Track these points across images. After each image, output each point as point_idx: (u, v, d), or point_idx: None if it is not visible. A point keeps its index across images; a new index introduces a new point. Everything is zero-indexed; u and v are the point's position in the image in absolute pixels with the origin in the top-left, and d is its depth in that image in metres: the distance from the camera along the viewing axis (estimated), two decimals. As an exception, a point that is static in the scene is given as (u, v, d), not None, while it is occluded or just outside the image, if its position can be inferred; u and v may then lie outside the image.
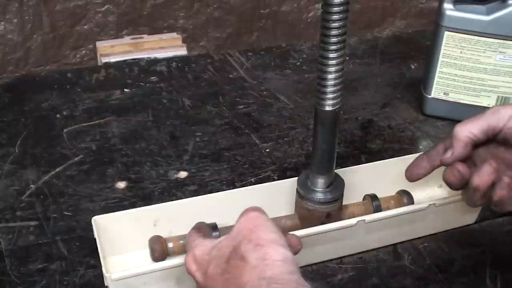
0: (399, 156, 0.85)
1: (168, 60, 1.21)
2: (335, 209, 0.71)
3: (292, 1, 2.13)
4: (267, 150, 0.93)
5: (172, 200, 0.77)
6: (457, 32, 0.93)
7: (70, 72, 1.15)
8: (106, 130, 0.97)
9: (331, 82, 0.63)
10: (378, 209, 0.75)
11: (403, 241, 0.75)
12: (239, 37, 2.12)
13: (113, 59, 1.29)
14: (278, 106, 1.05)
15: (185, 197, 0.81)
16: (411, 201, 0.77)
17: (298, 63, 1.20)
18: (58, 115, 1.01)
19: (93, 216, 0.70)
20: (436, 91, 0.99)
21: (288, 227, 0.71)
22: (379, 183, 0.78)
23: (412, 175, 0.70)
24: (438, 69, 0.97)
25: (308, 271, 0.71)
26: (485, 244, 0.76)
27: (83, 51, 1.99)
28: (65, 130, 0.97)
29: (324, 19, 0.60)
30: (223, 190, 0.80)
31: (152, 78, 1.13)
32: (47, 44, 1.94)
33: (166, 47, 1.44)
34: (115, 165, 0.89)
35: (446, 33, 0.94)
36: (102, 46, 1.48)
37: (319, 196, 0.70)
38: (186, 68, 1.17)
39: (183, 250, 0.68)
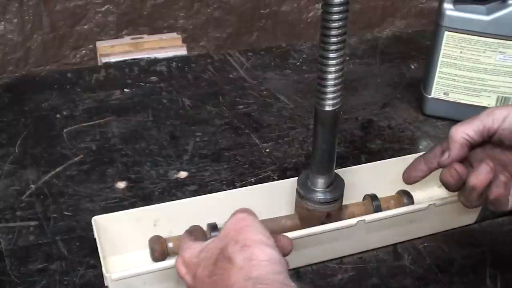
0: (399, 156, 0.85)
1: (168, 60, 1.21)
2: (335, 209, 0.71)
3: (292, 1, 2.13)
4: (267, 150, 0.93)
5: (172, 200, 0.77)
6: (457, 32, 0.93)
7: (70, 72, 1.15)
8: (106, 130, 0.97)
9: (331, 82, 0.63)
10: (378, 209, 0.75)
11: (403, 241, 0.75)
12: (239, 37, 2.12)
13: (113, 59, 1.29)
14: (278, 106, 1.05)
15: (185, 197, 0.81)
16: (411, 201, 0.77)
17: (298, 63, 1.20)
18: (58, 115, 1.01)
19: (93, 216, 0.70)
20: (436, 91, 0.99)
21: (288, 227, 0.71)
22: (379, 183, 0.78)
23: (409, 178, 0.70)
24: (438, 69, 0.97)
25: (308, 271, 0.71)
26: (485, 244, 0.76)
27: (83, 51, 1.99)
28: (65, 130, 0.97)
29: (324, 19, 0.60)
30: (223, 190, 0.80)
31: (152, 78, 1.13)
32: (47, 44, 1.94)
33: (166, 47, 1.44)
34: (115, 165, 0.89)
35: (446, 33, 0.94)
36: (102, 46, 1.48)
37: (319, 196, 0.70)
38: (186, 68, 1.17)
39: (183, 250, 0.68)
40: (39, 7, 1.88)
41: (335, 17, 0.60)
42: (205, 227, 0.69)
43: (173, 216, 0.72)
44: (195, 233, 0.62)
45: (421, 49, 1.23)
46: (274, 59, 1.21)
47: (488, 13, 0.91)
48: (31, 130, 0.97)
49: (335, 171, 0.71)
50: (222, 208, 0.71)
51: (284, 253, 0.57)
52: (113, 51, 1.43)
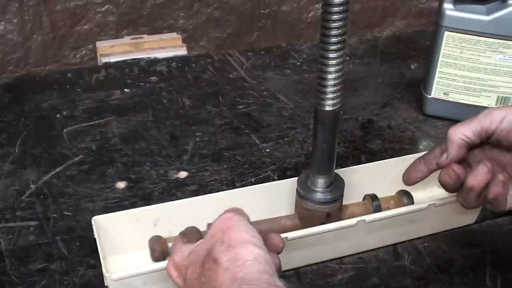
0: (399, 156, 0.85)
1: (168, 60, 1.21)
2: (335, 209, 0.71)
3: (292, 1, 2.13)
4: (267, 150, 0.93)
5: (172, 200, 0.77)
6: (457, 32, 0.93)
7: (70, 72, 1.15)
8: (106, 130, 0.97)
9: (331, 82, 0.63)
10: (378, 209, 0.75)
11: (403, 241, 0.75)
12: (239, 37, 2.12)
13: (113, 59, 1.29)
14: (278, 106, 1.05)
15: (185, 197, 0.81)
16: (411, 201, 0.77)
17: (298, 63, 1.20)
18: (58, 115, 1.01)
19: (93, 216, 0.70)
20: (436, 91, 0.99)
21: (288, 227, 0.71)
22: (379, 183, 0.78)
23: (409, 179, 0.70)
24: (438, 69, 0.97)
25: (308, 271, 0.71)
26: (485, 244, 0.76)
27: (83, 51, 1.99)
28: (65, 130, 0.97)
29: (324, 19, 0.60)
30: (223, 190, 0.80)
31: (152, 78, 1.13)
32: (47, 44, 1.94)
33: (166, 47, 1.44)
34: (115, 165, 0.89)
35: (446, 33, 0.94)
36: (102, 46, 1.48)
37: (319, 196, 0.70)
38: (186, 68, 1.17)
39: (183, 250, 0.68)
40: (39, 7, 1.88)
41: (335, 17, 0.60)
42: (205, 227, 0.69)
43: (173, 216, 0.72)
44: (189, 235, 0.62)
45: (421, 49, 1.23)
46: (274, 59, 1.21)
47: (488, 13, 0.91)
48: (31, 130, 0.97)
49: (335, 171, 0.71)
50: (222, 208, 0.71)
51: (277, 251, 0.57)
52: (113, 51, 1.43)
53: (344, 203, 0.73)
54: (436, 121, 1.01)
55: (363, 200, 0.77)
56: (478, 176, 0.62)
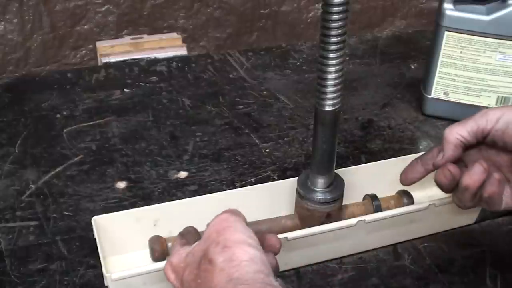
0: (399, 156, 0.85)
1: (168, 60, 1.21)
2: (335, 209, 0.71)
3: (292, 1, 2.13)
4: (267, 150, 0.93)
5: (172, 200, 0.77)
6: (457, 32, 0.93)
7: (70, 72, 1.15)
8: (106, 130, 0.97)
9: (331, 82, 0.63)
10: (378, 209, 0.75)
11: (403, 241, 0.75)
12: (239, 37, 2.12)
13: (113, 59, 1.29)
14: (278, 106, 1.05)
15: (185, 197, 0.81)
16: (411, 201, 0.77)
17: (298, 63, 1.20)
18: (58, 115, 1.01)
19: (93, 216, 0.70)
20: (436, 91, 0.99)
21: (288, 227, 0.71)
22: (379, 183, 0.78)
23: (406, 179, 0.70)
24: (438, 69, 0.97)
25: (308, 271, 0.71)
26: (485, 244, 0.76)
27: (83, 51, 1.99)
28: (65, 130, 0.97)
29: (324, 19, 0.60)
30: (223, 190, 0.80)
31: (152, 78, 1.13)
32: (47, 44, 1.94)
33: (166, 47, 1.44)
34: (115, 165, 0.89)
35: (446, 33, 0.94)
36: (102, 46, 1.48)
37: (319, 196, 0.70)
38: (186, 68, 1.17)
39: (183, 250, 0.68)
40: (39, 7, 1.88)
41: (335, 17, 0.60)
42: (205, 228, 0.69)
43: (173, 216, 0.72)
44: (187, 235, 0.62)
45: (421, 49, 1.23)
46: (274, 59, 1.21)
47: (488, 13, 0.91)
48: (31, 130, 0.97)
49: (335, 171, 0.71)
50: (222, 208, 0.71)
51: (274, 252, 0.57)
52: (113, 51, 1.43)
53: (344, 203, 0.73)
54: (436, 121, 1.01)
55: (363, 200, 0.77)
56: (474, 176, 0.62)
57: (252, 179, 0.87)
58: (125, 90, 1.09)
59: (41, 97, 1.06)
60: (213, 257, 0.50)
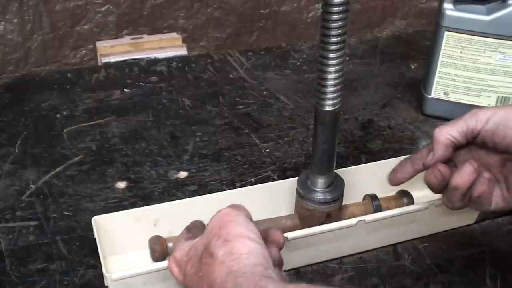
0: (399, 156, 0.85)
1: (168, 60, 1.21)
2: (335, 209, 0.71)
3: (292, 1, 2.13)
4: (267, 150, 0.93)
5: (172, 200, 0.77)
6: (457, 32, 0.93)
7: (70, 72, 1.15)
8: (106, 130, 0.97)
9: (331, 82, 0.63)
10: (378, 209, 0.75)
11: (403, 241, 0.75)
12: (239, 37, 2.12)
13: (113, 59, 1.29)
14: (278, 106, 1.05)
15: (185, 197, 0.81)
16: (411, 201, 0.77)
17: (298, 63, 1.20)
18: (58, 115, 1.01)
19: (93, 216, 0.70)
20: (436, 91, 0.99)
21: (288, 227, 0.71)
22: (379, 183, 0.78)
23: (395, 179, 0.69)
24: (438, 69, 0.97)
25: (308, 271, 0.71)
26: (485, 244, 0.76)
27: (83, 51, 1.99)
28: (65, 130, 0.97)
29: (324, 19, 0.60)
30: (223, 190, 0.80)
31: (152, 78, 1.13)
32: (47, 44, 1.94)
33: (166, 47, 1.43)
34: (115, 165, 0.89)
35: (446, 33, 0.94)
36: (102, 46, 1.48)
37: (319, 196, 0.70)
38: (186, 68, 1.17)
39: (183, 250, 0.68)
40: (39, 7, 1.88)
41: (335, 17, 0.60)
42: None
43: (173, 216, 0.72)
44: (194, 229, 0.63)
45: (421, 49, 1.23)
46: (274, 59, 1.21)
47: (488, 13, 0.91)
48: (31, 130, 0.97)
49: (335, 171, 0.71)
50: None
51: (279, 247, 0.58)
52: (113, 51, 1.43)
53: (344, 203, 0.73)
54: (436, 121, 1.01)
55: (363, 200, 0.77)
56: (464, 175, 0.62)
57: (252, 179, 0.87)
58: (125, 90, 1.09)
59: (41, 97, 1.06)
60: (214, 250, 0.51)
